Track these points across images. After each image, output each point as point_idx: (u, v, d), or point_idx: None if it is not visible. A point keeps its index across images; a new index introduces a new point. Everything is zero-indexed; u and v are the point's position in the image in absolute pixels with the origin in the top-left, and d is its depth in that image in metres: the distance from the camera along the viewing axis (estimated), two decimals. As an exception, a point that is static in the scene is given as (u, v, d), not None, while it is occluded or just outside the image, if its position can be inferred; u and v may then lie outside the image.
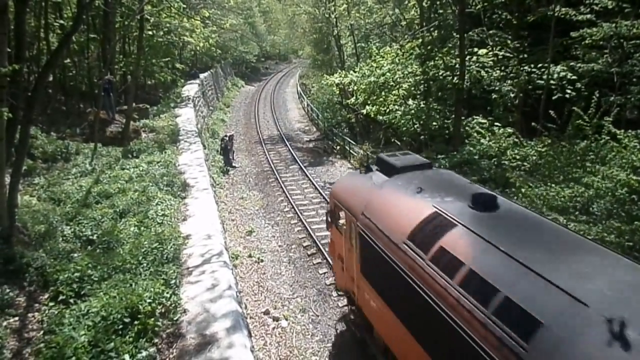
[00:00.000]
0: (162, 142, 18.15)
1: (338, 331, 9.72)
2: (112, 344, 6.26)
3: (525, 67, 15.73)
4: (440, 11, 19.82)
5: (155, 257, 8.85)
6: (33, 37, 18.05)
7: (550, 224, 5.84)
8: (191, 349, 6.64)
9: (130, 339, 6.49)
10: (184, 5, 24.60)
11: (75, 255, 8.84)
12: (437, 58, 18.19)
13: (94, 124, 16.98)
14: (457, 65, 16.69)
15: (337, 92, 28.61)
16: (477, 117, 16.39)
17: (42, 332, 6.86)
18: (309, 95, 39.29)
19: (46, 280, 7.91)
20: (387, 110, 20.26)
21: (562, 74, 14.41)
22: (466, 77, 16.47)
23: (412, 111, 19.10)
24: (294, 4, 40.39)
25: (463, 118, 17.07)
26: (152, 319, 6.94)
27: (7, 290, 7.37)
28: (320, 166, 21.87)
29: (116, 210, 10.99)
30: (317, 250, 13.19)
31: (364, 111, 21.60)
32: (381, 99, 20.35)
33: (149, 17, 21.88)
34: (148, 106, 23.76)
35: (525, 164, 12.99)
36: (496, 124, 15.43)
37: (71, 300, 7.46)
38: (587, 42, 14.24)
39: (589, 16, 14.23)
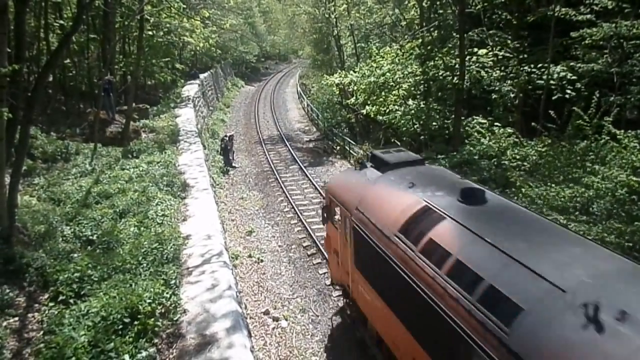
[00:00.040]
0: (162, 143, 18.15)
1: (334, 325, 9.85)
2: (112, 344, 6.27)
3: (525, 67, 15.72)
4: (440, 11, 19.81)
5: (155, 257, 8.85)
6: (33, 37, 18.05)
7: (536, 216, 6.07)
8: (191, 349, 6.64)
9: (130, 339, 6.49)
10: (184, 6, 24.59)
11: (75, 255, 8.84)
12: (437, 58, 18.18)
13: (94, 124, 16.97)
14: (457, 65, 16.69)
15: (337, 92, 28.59)
16: (477, 117, 16.37)
17: (42, 332, 6.86)
18: (309, 96, 39.26)
19: (46, 281, 7.91)
20: (387, 110, 20.26)
21: (562, 74, 14.40)
22: (466, 77, 16.47)
23: (412, 111, 19.10)
24: (294, 4, 40.39)
25: (463, 118, 17.06)
26: (152, 319, 6.94)
27: (7, 291, 7.37)
28: (320, 166, 21.87)
29: (116, 211, 10.99)
30: (317, 250, 13.18)
31: (364, 111, 21.60)
32: (381, 99, 20.35)
33: (149, 17, 21.87)
34: (148, 106, 23.76)
35: (525, 163, 12.98)
36: (496, 124, 15.42)
37: (71, 301, 7.46)
38: (587, 42, 14.23)
39: (588, 16, 14.22)
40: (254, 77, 61.83)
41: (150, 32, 23.70)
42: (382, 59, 20.49)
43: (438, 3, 19.78)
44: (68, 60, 19.95)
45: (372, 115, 21.50)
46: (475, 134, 15.32)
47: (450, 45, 18.58)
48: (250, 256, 13.06)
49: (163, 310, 7.35)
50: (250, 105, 40.35)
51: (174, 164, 15.70)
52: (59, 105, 20.44)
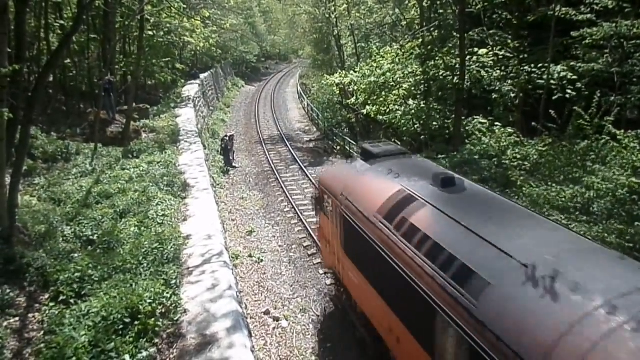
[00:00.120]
0: (162, 143, 18.15)
1: (327, 312, 10.26)
2: (113, 344, 6.27)
3: (526, 67, 15.68)
4: (441, 11, 19.77)
5: (156, 257, 8.85)
6: (33, 38, 18.04)
7: (508, 202, 6.65)
8: (191, 349, 6.65)
9: (131, 339, 6.49)
10: (184, 6, 24.60)
11: (76, 255, 8.85)
12: (437, 58, 18.16)
13: (94, 124, 16.98)
14: (457, 65, 16.67)
15: (338, 92, 28.58)
16: (478, 117, 16.32)
17: (42, 332, 6.86)
18: (309, 95, 39.25)
19: (46, 281, 7.91)
20: (388, 110, 20.24)
21: (563, 73, 14.37)
22: (466, 77, 16.45)
23: (413, 111, 19.07)
24: (294, 4, 40.30)
25: (463, 118, 17.04)
26: (153, 319, 6.94)
27: (8, 291, 7.37)
28: (321, 166, 21.86)
29: (116, 211, 11.00)
30: (318, 250, 13.18)
31: (364, 111, 21.57)
32: (381, 99, 20.32)
33: (149, 17, 21.89)
34: (148, 106, 23.76)
35: (525, 163, 12.96)
36: (496, 123, 15.39)
37: (71, 301, 7.46)
38: (587, 42, 14.20)
39: (589, 16, 14.19)
40: (254, 77, 61.86)
41: (150, 32, 23.70)
42: (382, 59, 20.47)
43: (438, 3, 19.75)
44: (68, 61, 19.95)
45: (372, 115, 21.47)
46: (476, 133, 15.30)
47: (450, 45, 18.55)
48: (250, 256, 13.06)
49: (163, 310, 7.35)
50: (251, 105, 40.36)
51: (175, 164, 15.70)
52: (60, 106, 20.45)
